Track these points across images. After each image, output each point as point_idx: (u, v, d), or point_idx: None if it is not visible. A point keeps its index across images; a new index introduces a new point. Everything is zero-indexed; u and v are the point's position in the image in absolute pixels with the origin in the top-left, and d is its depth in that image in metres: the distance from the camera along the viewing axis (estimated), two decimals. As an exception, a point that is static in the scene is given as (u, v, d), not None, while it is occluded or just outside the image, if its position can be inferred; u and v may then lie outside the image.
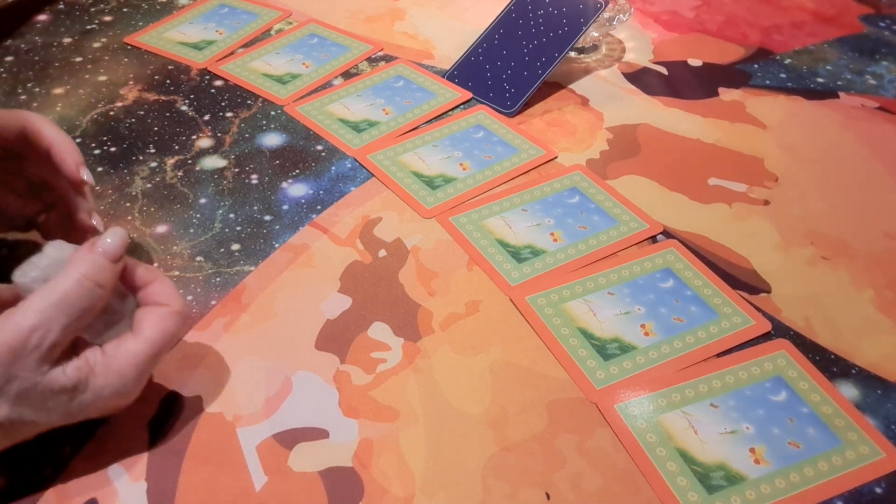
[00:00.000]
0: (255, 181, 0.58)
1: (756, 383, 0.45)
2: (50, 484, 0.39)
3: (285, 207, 0.56)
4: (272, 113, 0.65)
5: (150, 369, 0.39)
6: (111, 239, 0.39)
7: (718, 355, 0.46)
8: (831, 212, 0.58)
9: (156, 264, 0.51)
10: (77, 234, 0.47)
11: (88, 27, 0.76)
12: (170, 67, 0.70)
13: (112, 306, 0.40)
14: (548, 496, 0.40)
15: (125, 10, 0.79)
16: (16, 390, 0.35)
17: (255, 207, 0.56)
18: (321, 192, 0.57)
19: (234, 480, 0.40)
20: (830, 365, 0.47)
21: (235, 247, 0.53)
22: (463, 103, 0.67)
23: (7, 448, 0.37)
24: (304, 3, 0.80)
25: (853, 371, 0.46)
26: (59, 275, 0.37)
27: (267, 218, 0.55)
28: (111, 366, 0.37)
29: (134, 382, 0.38)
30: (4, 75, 0.69)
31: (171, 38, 0.74)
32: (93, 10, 0.78)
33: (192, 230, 0.54)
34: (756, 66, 0.73)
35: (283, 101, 0.66)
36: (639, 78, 0.71)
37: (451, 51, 0.73)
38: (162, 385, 0.44)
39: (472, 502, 0.39)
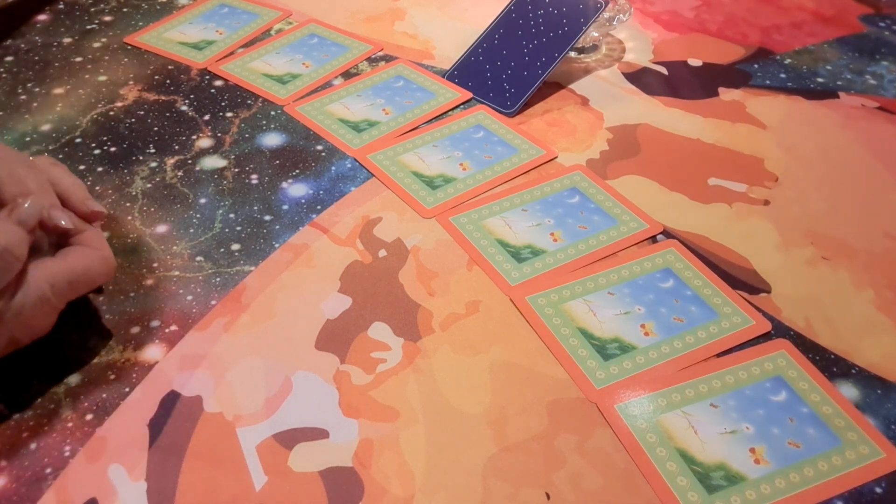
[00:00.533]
0: (255, 181, 0.58)
1: (756, 383, 0.45)
2: (50, 484, 0.39)
3: (285, 207, 0.56)
4: (272, 113, 0.65)
5: (66, 292, 0.41)
6: (27, 207, 0.41)
7: (718, 355, 0.46)
8: (831, 212, 0.58)
9: (155, 264, 0.51)
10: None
11: (88, 27, 0.76)
12: (170, 67, 0.70)
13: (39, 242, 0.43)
14: (548, 496, 0.40)
15: (125, 10, 0.79)
16: None
17: (255, 207, 0.56)
18: (321, 192, 0.58)
19: (234, 480, 0.40)
20: (830, 365, 0.47)
21: (235, 247, 0.53)
22: (463, 103, 0.67)
23: None
24: (304, 3, 0.80)
25: (853, 371, 0.46)
26: None
27: (267, 218, 0.55)
28: (29, 277, 0.40)
29: (54, 294, 0.41)
30: (4, 75, 0.69)
31: (171, 38, 0.74)
32: (93, 10, 0.78)
33: (192, 230, 0.54)
34: (756, 66, 0.73)
35: (283, 101, 0.66)
36: (639, 78, 0.71)
37: (451, 51, 0.73)
38: (162, 385, 0.44)
39: (472, 502, 0.39)
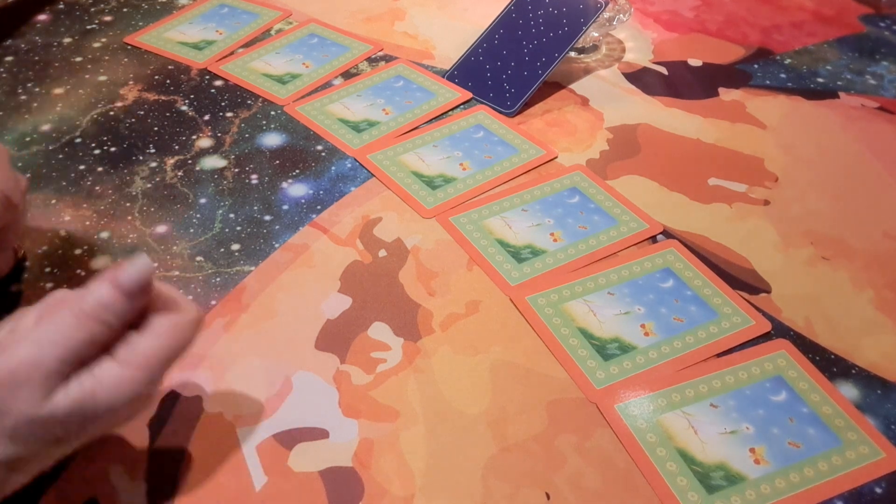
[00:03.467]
0: (255, 181, 0.58)
1: (756, 383, 0.45)
2: (50, 484, 0.39)
3: (285, 207, 0.56)
4: (272, 113, 0.65)
5: (162, 371, 0.35)
6: (130, 271, 0.35)
7: (718, 355, 0.46)
8: (831, 212, 0.58)
9: (156, 264, 0.51)
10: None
11: (88, 27, 0.76)
12: (170, 67, 0.70)
13: None
14: (548, 496, 0.40)
15: (125, 10, 0.79)
16: (11, 425, 0.32)
17: (255, 207, 0.56)
18: (321, 192, 0.58)
19: (234, 480, 0.40)
20: (830, 365, 0.47)
21: (235, 247, 0.53)
22: (463, 103, 0.67)
23: (15, 490, 0.34)
24: (304, 3, 0.80)
25: (853, 371, 0.46)
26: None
27: (267, 218, 0.55)
28: (123, 371, 0.34)
29: (147, 382, 0.35)
30: (4, 75, 0.69)
31: (171, 38, 0.74)
32: (93, 10, 0.78)
33: (192, 230, 0.54)
34: (756, 66, 0.73)
35: (283, 101, 0.66)
36: (639, 78, 0.71)
37: (451, 51, 0.73)
38: (162, 385, 0.44)
39: (472, 502, 0.39)
